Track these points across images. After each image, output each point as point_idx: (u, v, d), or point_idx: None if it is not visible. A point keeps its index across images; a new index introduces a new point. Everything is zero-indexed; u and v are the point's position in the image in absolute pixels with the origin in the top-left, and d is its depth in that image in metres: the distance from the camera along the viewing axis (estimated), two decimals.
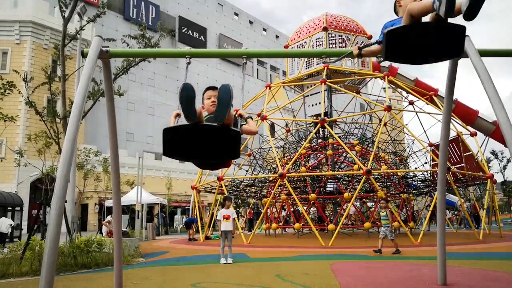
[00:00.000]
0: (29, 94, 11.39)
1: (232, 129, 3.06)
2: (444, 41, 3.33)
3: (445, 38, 3.32)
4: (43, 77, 11.62)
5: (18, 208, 20.91)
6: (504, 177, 47.36)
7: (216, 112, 2.98)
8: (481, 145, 18.22)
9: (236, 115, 3.50)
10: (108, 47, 4.44)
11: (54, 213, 3.42)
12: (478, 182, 18.33)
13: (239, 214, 28.33)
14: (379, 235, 10.54)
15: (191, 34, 51.31)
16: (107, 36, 12.07)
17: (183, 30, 50.50)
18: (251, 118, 3.70)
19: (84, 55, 4.35)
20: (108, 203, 23.20)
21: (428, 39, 3.30)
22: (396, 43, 3.36)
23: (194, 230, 18.30)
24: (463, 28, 3.32)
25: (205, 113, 3.39)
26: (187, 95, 2.94)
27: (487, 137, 21.63)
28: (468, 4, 2.86)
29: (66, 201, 9.35)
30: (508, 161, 46.89)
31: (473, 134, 17.72)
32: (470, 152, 17.65)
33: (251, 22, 61.87)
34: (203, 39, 52.54)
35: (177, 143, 3.04)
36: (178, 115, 3.41)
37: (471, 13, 2.93)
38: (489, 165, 41.20)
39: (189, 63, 4.25)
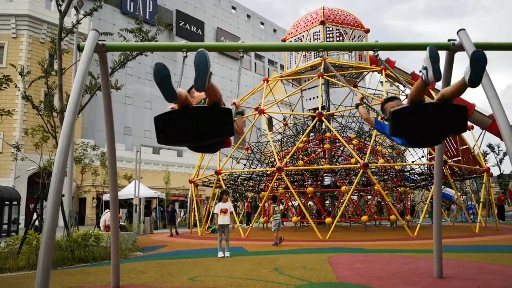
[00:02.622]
0: (25, 88, 11.32)
1: (222, 107, 3.01)
2: (447, 119, 3.43)
3: (447, 117, 3.42)
4: (40, 71, 11.53)
5: (15, 203, 20.87)
6: (500, 171, 47.55)
7: (196, 79, 2.85)
8: (478, 139, 18.27)
9: (231, 104, 3.53)
10: (104, 41, 4.43)
11: (50, 207, 3.42)
12: (474, 175, 18.40)
13: (237, 208, 28.38)
14: (272, 229, 11.69)
15: (188, 28, 51.08)
16: (104, 30, 12.04)
17: (181, 24, 50.25)
18: (242, 114, 3.68)
19: (80, 49, 4.33)
20: (106, 197, 23.18)
21: (431, 118, 3.40)
22: (403, 121, 3.44)
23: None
24: (464, 108, 3.44)
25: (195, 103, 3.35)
26: (161, 75, 2.83)
27: (484, 130, 21.69)
28: (469, 80, 3.09)
29: (63, 195, 9.36)
30: (505, 154, 47.02)
31: (469, 128, 17.75)
32: (467, 146, 17.70)
33: (248, 16, 61.61)
34: (200, 33, 52.32)
35: (169, 129, 3.03)
36: (172, 108, 3.38)
37: (474, 84, 3.14)
38: (486, 158, 41.33)
39: (185, 56, 4.23)
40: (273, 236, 11.50)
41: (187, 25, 51.08)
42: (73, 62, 12.94)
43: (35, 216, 9.33)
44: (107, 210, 16.80)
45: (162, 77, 2.84)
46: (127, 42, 9.50)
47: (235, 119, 3.38)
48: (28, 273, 7.13)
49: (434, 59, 3.19)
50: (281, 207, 19.58)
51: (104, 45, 4.38)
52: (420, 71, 3.35)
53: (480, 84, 3.92)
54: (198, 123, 2.97)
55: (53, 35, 12.31)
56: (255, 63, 60.88)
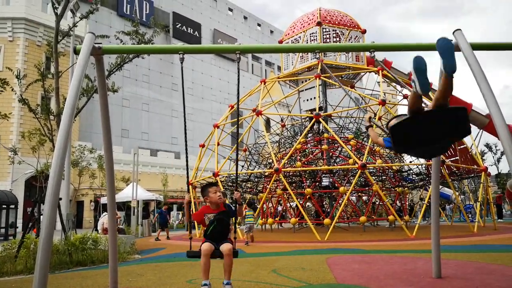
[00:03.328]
0: (22, 91, 11.30)
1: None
2: (447, 125, 3.38)
3: (448, 122, 3.37)
4: (37, 74, 11.52)
5: (12, 206, 20.81)
6: (498, 170, 47.69)
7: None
8: (475, 138, 18.33)
9: (234, 198, 4.42)
10: (101, 43, 4.42)
11: (47, 211, 3.40)
12: (472, 175, 18.44)
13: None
14: (244, 230, 12.56)
15: (185, 30, 51.10)
16: (101, 33, 12.04)
17: (177, 26, 50.27)
18: (242, 204, 4.70)
19: (76, 52, 4.32)
20: (104, 200, 23.12)
21: (431, 127, 3.36)
22: (402, 136, 3.42)
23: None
24: (463, 109, 3.42)
25: (211, 214, 4.45)
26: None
27: (481, 130, 21.75)
28: (444, 68, 3.15)
29: (60, 199, 9.33)
30: (502, 154, 47.12)
31: None
32: (465, 145, 17.74)
33: (245, 18, 61.69)
34: (197, 35, 52.35)
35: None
36: (189, 202, 4.44)
37: (449, 68, 3.16)
38: (483, 158, 41.45)
39: (182, 59, 4.25)
40: (269, 238, 11.51)
41: (184, 27, 51.10)
42: (69, 65, 12.92)
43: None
44: (105, 213, 16.75)
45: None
46: (123, 45, 9.49)
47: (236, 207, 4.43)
48: (26, 277, 7.09)
49: (419, 72, 3.19)
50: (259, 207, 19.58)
51: (101, 48, 4.37)
52: (411, 81, 3.36)
53: (477, 84, 3.93)
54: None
55: (50, 38, 12.28)
56: (252, 64, 60.95)
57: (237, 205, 4.53)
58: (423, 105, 3.61)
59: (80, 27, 25.53)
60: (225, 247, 4.27)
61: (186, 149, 4.54)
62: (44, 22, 32.42)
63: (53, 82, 11.00)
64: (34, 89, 17.08)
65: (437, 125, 3.27)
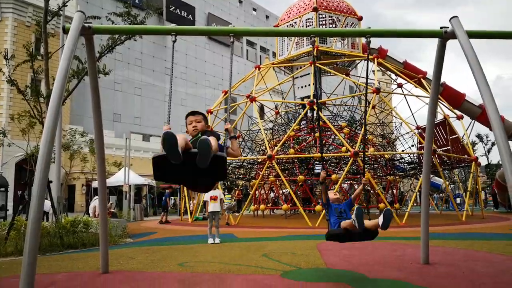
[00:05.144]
0: (10, 72, 11.08)
1: (218, 155, 3.19)
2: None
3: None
4: (26, 55, 11.29)
5: (3, 189, 20.68)
6: (488, 160, 48.17)
7: (199, 161, 3.04)
8: (467, 128, 18.44)
9: (224, 130, 3.70)
10: (91, 23, 4.32)
11: (36, 193, 3.36)
12: (463, 164, 18.61)
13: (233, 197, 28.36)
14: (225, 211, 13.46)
15: (179, 13, 50.34)
16: (92, 14, 11.80)
17: (171, 9, 49.50)
18: (235, 138, 3.85)
19: (65, 31, 4.23)
20: (96, 184, 23.03)
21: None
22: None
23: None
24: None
25: (189, 137, 3.55)
26: (169, 143, 2.98)
27: (473, 120, 21.89)
28: (382, 226, 4.06)
29: (51, 181, 9.25)
30: (493, 144, 47.57)
31: (459, 117, 17.89)
32: (456, 135, 17.85)
33: (240, 2, 60.90)
34: (191, 18, 51.63)
35: (166, 171, 3.19)
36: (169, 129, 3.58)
37: (384, 228, 4.09)
38: (474, 148, 41.83)
39: (174, 41, 4.18)
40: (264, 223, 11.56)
41: (178, 10, 50.34)
42: (59, 46, 12.67)
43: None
44: (97, 196, 16.68)
45: (170, 145, 2.97)
46: (115, 25, 9.32)
47: (228, 145, 3.58)
48: (16, 259, 7.07)
49: (358, 217, 3.99)
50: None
51: (91, 28, 4.28)
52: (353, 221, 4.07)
53: (472, 74, 3.93)
54: (194, 170, 3.11)
55: (39, 18, 12.01)
56: (247, 50, 60.42)
57: (230, 139, 3.65)
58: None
59: (70, 7, 24.97)
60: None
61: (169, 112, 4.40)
62: (33, 2, 31.67)
63: (43, 63, 10.81)
64: (23, 70, 16.74)
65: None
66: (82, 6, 34.32)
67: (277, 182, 19.38)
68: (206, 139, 3.03)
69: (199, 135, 3.52)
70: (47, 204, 10.60)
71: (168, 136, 2.99)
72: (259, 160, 17.87)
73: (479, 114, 21.78)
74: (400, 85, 18.37)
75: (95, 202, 14.91)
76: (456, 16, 4.37)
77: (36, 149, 16.67)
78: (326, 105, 19.52)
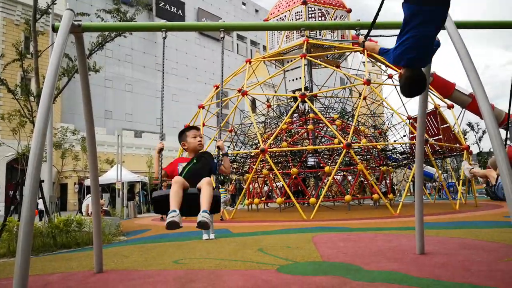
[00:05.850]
0: (0, 71, 10.95)
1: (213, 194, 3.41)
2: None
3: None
4: (15, 53, 11.14)
5: None
6: (479, 148, 48.66)
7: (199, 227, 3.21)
8: (458, 117, 18.57)
9: (216, 148, 3.85)
10: (80, 21, 4.28)
11: (28, 193, 3.32)
12: (455, 153, 18.76)
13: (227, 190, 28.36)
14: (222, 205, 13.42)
15: (168, 8, 49.94)
16: (81, 11, 11.65)
17: (161, 5, 49.09)
18: (227, 155, 3.99)
19: (55, 29, 4.17)
20: (88, 182, 22.89)
21: None
22: None
23: None
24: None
25: (191, 155, 3.83)
26: (172, 227, 3.17)
27: (464, 109, 22.05)
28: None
29: (43, 181, 9.17)
30: (484, 132, 48.05)
31: (450, 107, 18.01)
32: (447, 124, 17.98)
33: None
34: (181, 14, 51.25)
35: (164, 206, 3.41)
36: (161, 149, 3.74)
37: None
38: (465, 136, 42.16)
39: (165, 37, 4.17)
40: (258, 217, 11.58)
41: (167, 5, 49.93)
42: (49, 44, 12.52)
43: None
44: (89, 195, 16.58)
45: (172, 227, 3.17)
46: (104, 23, 9.22)
47: (221, 161, 3.76)
48: (8, 260, 7.01)
49: None
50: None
51: (80, 26, 4.22)
52: None
53: (461, 62, 3.94)
54: (191, 205, 3.34)
55: (28, 17, 11.87)
56: (237, 44, 60.19)
57: (221, 156, 3.72)
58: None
59: (59, 5, 24.67)
60: (203, 180, 3.37)
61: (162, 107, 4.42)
62: (22, 0, 31.27)
63: (33, 62, 10.68)
64: (13, 69, 16.54)
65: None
66: (71, 3, 33.87)
67: (271, 176, 19.40)
68: (206, 222, 3.15)
69: (195, 161, 3.71)
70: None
71: (173, 225, 3.15)
72: (252, 154, 17.88)
73: (469, 103, 21.95)
74: (390, 76, 18.42)
75: (87, 201, 14.81)
76: None
77: (27, 149, 16.52)
78: (318, 97, 19.52)
